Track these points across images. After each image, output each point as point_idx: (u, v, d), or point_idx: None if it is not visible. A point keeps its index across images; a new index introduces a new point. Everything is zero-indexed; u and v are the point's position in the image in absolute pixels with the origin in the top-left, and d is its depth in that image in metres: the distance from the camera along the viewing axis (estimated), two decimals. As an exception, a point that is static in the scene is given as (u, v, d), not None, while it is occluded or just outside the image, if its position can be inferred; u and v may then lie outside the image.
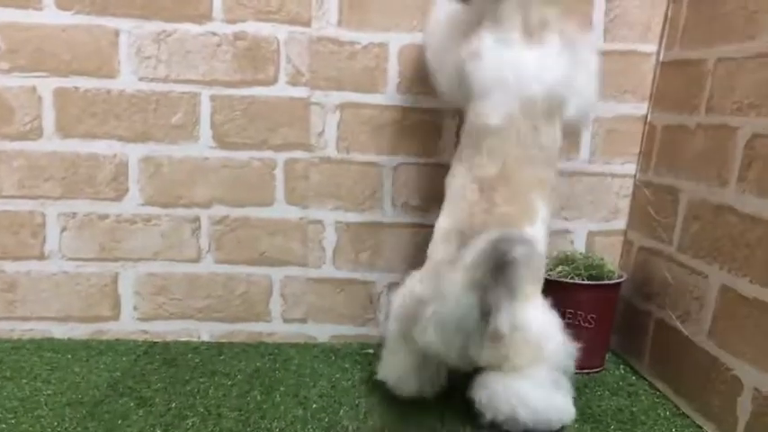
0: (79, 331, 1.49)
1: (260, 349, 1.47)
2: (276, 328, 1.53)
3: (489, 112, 1.19)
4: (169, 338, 1.50)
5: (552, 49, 1.20)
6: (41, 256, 1.45)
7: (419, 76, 1.44)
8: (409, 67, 1.44)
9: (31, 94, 1.39)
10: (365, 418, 1.16)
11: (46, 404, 1.18)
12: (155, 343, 1.48)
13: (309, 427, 1.13)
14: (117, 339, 1.49)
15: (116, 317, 1.49)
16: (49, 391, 1.22)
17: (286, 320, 1.52)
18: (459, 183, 1.21)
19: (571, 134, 1.46)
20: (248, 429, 1.11)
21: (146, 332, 1.50)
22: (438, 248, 1.19)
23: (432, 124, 1.47)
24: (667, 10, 1.43)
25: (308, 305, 1.52)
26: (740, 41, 1.21)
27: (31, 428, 1.09)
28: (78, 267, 1.46)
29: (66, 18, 1.37)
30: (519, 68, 1.18)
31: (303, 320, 1.53)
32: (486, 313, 1.07)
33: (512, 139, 1.18)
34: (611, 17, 1.45)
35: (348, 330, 1.54)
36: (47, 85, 1.39)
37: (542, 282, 1.19)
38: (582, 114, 1.28)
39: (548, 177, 1.21)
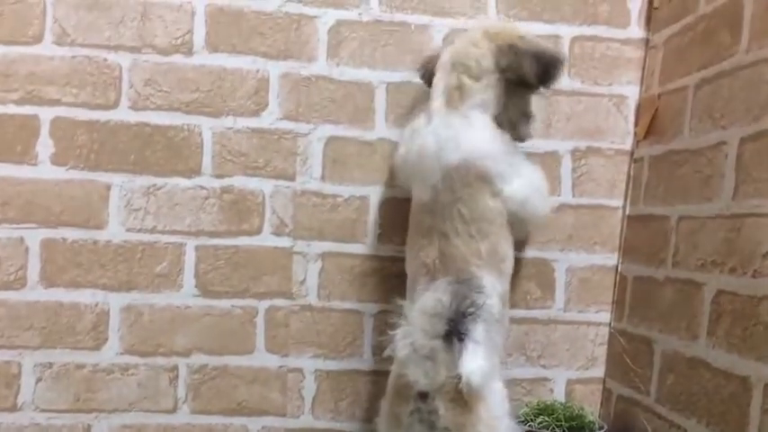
0: (45, 488, 1.43)
1: (234, 507, 1.42)
2: (252, 483, 1.48)
3: (421, 189, 1.24)
4: (139, 494, 1.45)
5: (477, 121, 1.24)
6: (13, 408, 1.41)
7: (399, 227, 1.51)
8: (389, 218, 1.51)
9: (18, 245, 1.42)
10: None
11: None
12: (124, 500, 1.42)
13: None
14: (84, 496, 1.43)
15: (85, 471, 1.44)
16: None
17: (262, 474, 1.48)
18: (411, 272, 1.26)
19: (546, 283, 1.53)
20: None
21: (115, 488, 1.45)
22: None
23: (411, 273, 1.52)
24: (629, 169, 1.54)
25: (286, 457, 1.49)
26: (698, 202, 1.29)
27: None
28: (50, 419, 1.42)
29: (61, 173, 1.44)
30: (437, 137, 1.22)
31: (280, 474, 1.49)
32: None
33: (440, 214, 1.21)
34: (579, 174, 1.55)
35: (326, 485, 1.49)
36: (34, 236, 1.43)
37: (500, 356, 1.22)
38: (528, 197, 1.28)
39: (484, 250, 1.21)
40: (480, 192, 1.23)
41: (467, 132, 1.23)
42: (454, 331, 1.13)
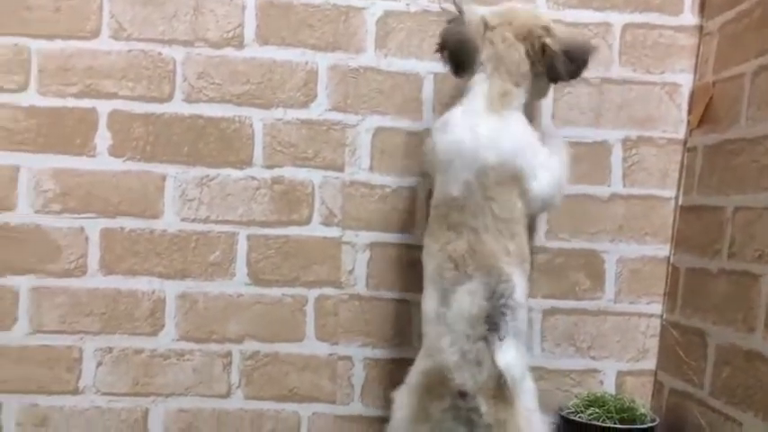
0: (106, 468, 1.49)
1: (286, 490, 1.45)
2: (303, 467, 1.51)
3: (450, 183, 1.24)
4: (194, 476, 1.50)
5: (516, 122, 1.26)
6: (75, 391, 1.47)
7: (446, 218, 1.52)
8: (437, 208, 1.52)
9: (78, 234, 1.48)
10: None
11: None
12: (180, 481, 1.47)
13: None
14: (142, 477, 1.48)
15: (143, 453, 1.50)
16: None
17: (313, 459, 1.52)
18: (434, 263, 1.25)
19: (595, 273, 1.52)
20: None
21: (171, 469, 1.50)
22: (431, 330, 1.22)
23: (459, 263, 1.52)
24: (682, 158, 1.51)
25: (336, 443, 1.52)
26: (755, 192, 1.26)
27: None
28: (110, 402, 1.48)
29: (118, 165, 1.48)
30: (476, 136, 1.23)
31: (330, 459, 1.52)
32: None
33: (471, 210, 1.21)
34: (630, 164, 1.53)
35: (376, 472, 1.52)
36: (94, 226, 1.48)
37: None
38: (551, 192, 1.30)
39: (513, 248, 1.22)
40: (511, 191, 1.24)
41: (506, 133, 1.24)
42: (493, 329, 1.15)
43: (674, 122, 1.53)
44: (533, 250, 1.47)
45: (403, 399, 1.24)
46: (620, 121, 1.53)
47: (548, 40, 1.28)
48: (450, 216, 1.24)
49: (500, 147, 1.22)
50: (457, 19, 1.29)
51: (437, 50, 1.32)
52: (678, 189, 1.52)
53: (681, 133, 1.53)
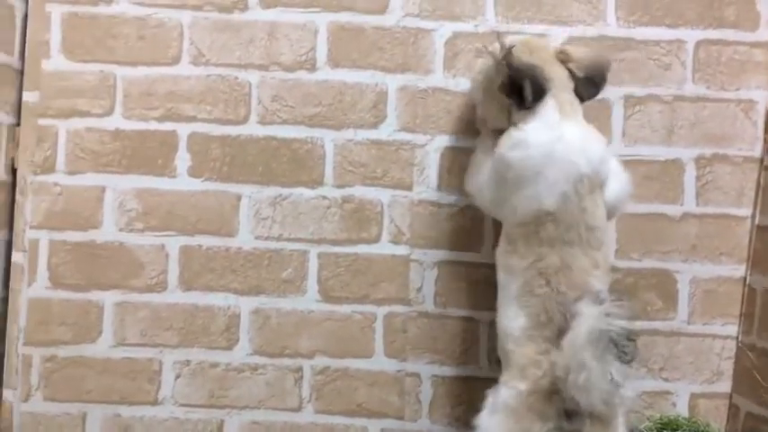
0: (184, 477, 1.55)
1: (356, 504, 1.48)
2: (372, 482, 1.54)
3: (543, 196, 1.23)
4: (267, 487, 1.54)
5: (588, 127, 1.28)
6: (155, 402, 1.54)
7: (514, 237, 1.53)
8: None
9: (159, 252, 1.55)
10: None
11: None
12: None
13: None
14: (217, 486, 1.53)
15: (218, 463, 1.55)
16: None
17: (382, 474, 1.54)
18: (521, 281, 1.24)
19: (668, 294, 1.50)
20: None
21: (245, 480, 1.55)
22: (522, 350, 1.21)
23: (527, 282, 1.52)
24: (759, 177, 1.48)
25: (404, 459, 1.54)
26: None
27: None
28: (187, 414, 1.53)
29: (196, 185, 1.55)
30: (567, 144, 1.24)
31: (399, 475, 1.54)
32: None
33: (566, 222, 1.22)
34: (703, 182, 1.50)
35: (443, 488, 1.53)
36: (174, 243, 1.55)
37: None
38: (621, 196, 1.32)
39: (600, 259, 1.23)
40: (598, 199, 1.25)
41: (590, 139, 1.27)
42: (620, 351, 1.12)
43: (750, 140, 1.50)
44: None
45: (497, 422, 1.22)
46: (694, 139, 1.51)
47: (571, 65, 1.31)
48: (542, 231, 1.24)
49: (589, 153, 1.24)
50: (508, 53, 1.30)
51: (509, 85, 1.30)
52: (755, 208, 1.49)
53: (757, 151, 1.50)
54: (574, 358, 1.14)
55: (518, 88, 1.29)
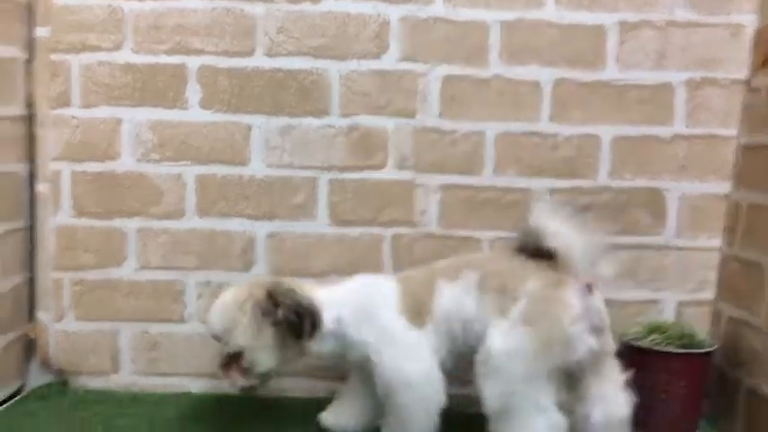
0: (212, 385, 1.67)
1: None
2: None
3: None
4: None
5: None
6: (180, 320, 1.65)
7: (513, 161, 1.61)
8: (503, 152, 1.61)
9: (176, 181, 1.62)
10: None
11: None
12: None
13: None
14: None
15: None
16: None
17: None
18: None
19: (657, 211, 1.59)
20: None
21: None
22: None
23: (524, 202, 1.61)
24: (746, 98, 1.55)
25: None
26: (819, 129, 1.31)
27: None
28: (210, 331, 1.66)
29: (207, 116, 1.61)
30: None
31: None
32: None
33: None
34: (693, 105, 1.57)
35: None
36: (190, 173, 1.62)
37: None
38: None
39: None
40: None
41: None
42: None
43: (738, 64, 1.56)
44: (597, 190, 1.58)
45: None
46: (684, 63, 1.57)
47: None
48: None
49: None
50: (291, 293, 1.33)
51: (288, 322, 1.32)
52: (740, 128, 1.57)
53: (744, 74, 1.57)
54: None
55: (296, 325, 1.31)
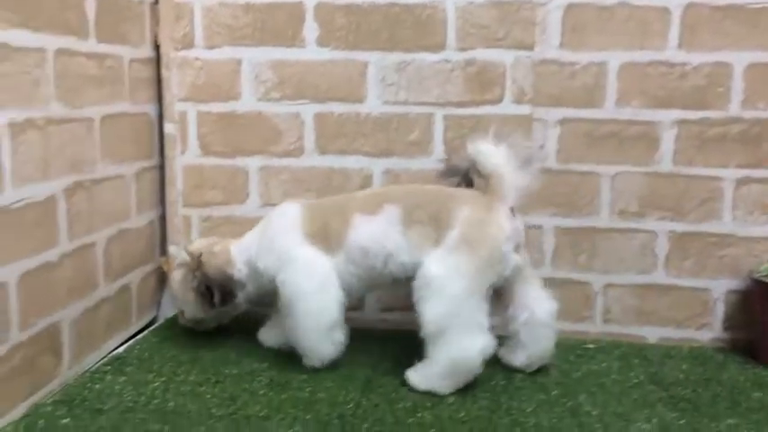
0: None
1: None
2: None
3: None
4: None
5: None
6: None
7: (637, 92, 1.55)
8: (627, 83, 1.55)
9: (295, 119, 1.66)
10: (605, 405, 1.29)
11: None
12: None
13: (555, 409, 1.28)
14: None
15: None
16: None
17: (507, 316, 1.68)
18: None
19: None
20: (501, 409, 1.27)
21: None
22: None
23: (649, 135, 1.57)
24: None
25: (528, 303, 1.67)
26: None
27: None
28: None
29: (325, 54, 1.63)
30: None
31: (522, 317, 1.68)
32: None
33: None
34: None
35: (565, 326, 1.65)
36: (308, 111, 1.66)
37: None
38: None
39: None
40: None
41: None
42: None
43: None
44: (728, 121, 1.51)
45: None
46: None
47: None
48: None
49: None
50: (200, 264, 1.48)
51: (200, 290, 1.49)
52: None
53: None
54: None
55: (210, 292, 1.47)
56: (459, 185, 1.40)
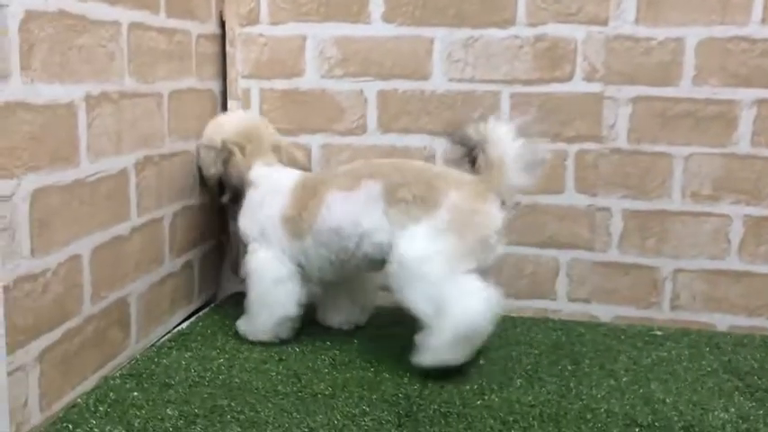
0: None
1: (548, 324, 1.61)
2: (561, 306, 1.65)
3: None
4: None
5: None
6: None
7: (717, 69, 1.49)
8: (706, 59, 1.49)
9: (358, 96, 1.64)
10: (678, 393, 1.25)
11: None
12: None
13: (626, 396, 1.24)
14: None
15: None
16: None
17: (571, 299, 1.65)
18: None
19: None
20: (571, 394, 1.25)
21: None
22: None
23: (727, 115, 1.50)
24: None
25: (593, 286, 1.63)
26: None
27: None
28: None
29: (391, 30, 1.60)
30: None
31: (587, 300, 1.64)
32: None
33: None
34: None
35: (631, 312, 1.62)
36: (372, 88, 1.64)
37: None
38: None
39: None
40: None
41: None
42: None
43: None
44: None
45: None
46: None
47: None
48: None
49: None
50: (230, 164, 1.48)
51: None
52: None
53: None
54: None
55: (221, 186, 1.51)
56: (462, 157, 1.33)
